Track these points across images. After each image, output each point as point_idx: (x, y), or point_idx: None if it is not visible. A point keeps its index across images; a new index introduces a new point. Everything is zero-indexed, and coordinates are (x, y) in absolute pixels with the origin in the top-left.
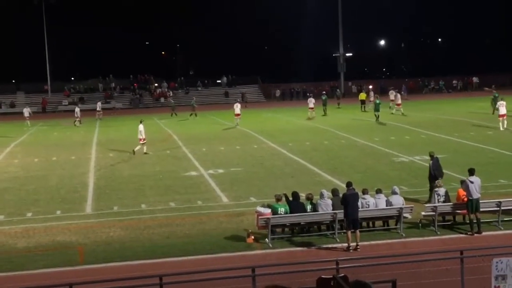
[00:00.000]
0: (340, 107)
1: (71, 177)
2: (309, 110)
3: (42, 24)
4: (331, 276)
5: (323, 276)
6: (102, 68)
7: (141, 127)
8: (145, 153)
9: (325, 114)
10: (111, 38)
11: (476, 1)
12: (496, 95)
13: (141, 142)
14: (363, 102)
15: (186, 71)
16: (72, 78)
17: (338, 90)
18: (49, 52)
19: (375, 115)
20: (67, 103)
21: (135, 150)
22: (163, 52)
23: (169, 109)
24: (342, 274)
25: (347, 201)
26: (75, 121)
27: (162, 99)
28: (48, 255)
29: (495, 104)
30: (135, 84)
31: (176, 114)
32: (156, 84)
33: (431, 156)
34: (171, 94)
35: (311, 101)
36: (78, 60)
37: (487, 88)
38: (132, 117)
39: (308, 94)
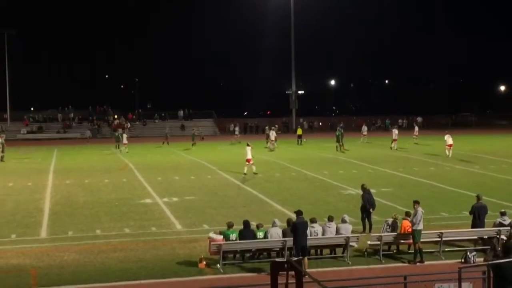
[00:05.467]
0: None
1: (27, 203)
2: (270, 141)
3: (3, 54)
4: (285, 260)
5: (276, 260)
6: (62, 99)
7: (248, 149)
8: (255, 173)
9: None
10: (71, 69)
11: (423, 45)
12: (337, 133)
13: (248, 162)
14: (299, 136)
15: (144, 104)
16: (32, 108)
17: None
18: (9, 82)
19: (337, 145)
20: (25, 132)
21: (245, 172)
22: (121, 85)
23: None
24: (296, 258)
25: (297, 228)
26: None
27: (120, 130)
28: (1, 278)
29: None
30: (94, 117)
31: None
32: (116, 116)
33: (363, 188)
34: (128, 126)
35: (273, 134)
36: (38, 90)
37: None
38: (89, 147)
39: (272, 128)
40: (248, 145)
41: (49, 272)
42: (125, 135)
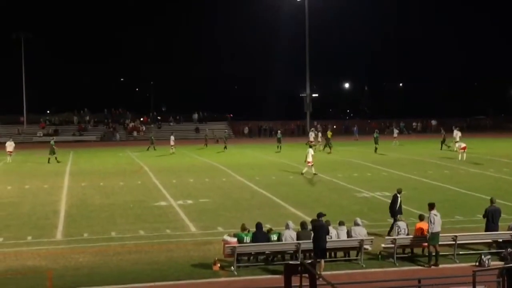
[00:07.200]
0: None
1: (43, 205)
2: (310, 143)
3: (19, 57)
4: (298, 262)
5: (290, 262)
6: (77, 102)
7: (310, 151)
8: (315, 173)
9: (279, 151)
10: (87, 73)
11: (437, 48)
12: (375, 135)
13: (309, 164)
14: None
15: (158, 107)
16: (48, 111)
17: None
18: (26, 85)
19: (376, 147)
20: (41, 135)
21: (303, 172)
22: (136, 88)
23: (148, 142)
24: (310, 261)
25: (315, 230)
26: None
27: (135, 133)
28: (17, 280)
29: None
30: (109, 119)
31: (154, 149)
32: (137, 120)
33: (398, 192)
34: (144, 129)
35: (311, 135)
36: (54, 93)
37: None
38: (104, 150)
39: (310, 129)
40: (310, 147)
41: (64, 274)
42: (172, 137)
